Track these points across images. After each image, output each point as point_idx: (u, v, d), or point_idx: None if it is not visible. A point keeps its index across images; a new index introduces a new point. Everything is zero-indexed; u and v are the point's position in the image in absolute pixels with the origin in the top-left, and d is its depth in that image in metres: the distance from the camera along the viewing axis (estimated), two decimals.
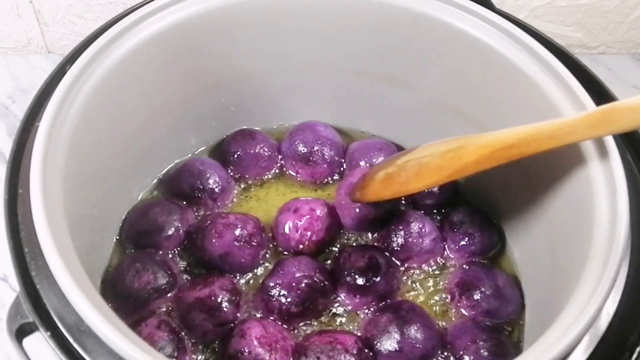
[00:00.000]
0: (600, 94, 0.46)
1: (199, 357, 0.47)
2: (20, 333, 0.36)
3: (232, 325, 0.47)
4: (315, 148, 0.58)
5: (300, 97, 0.61)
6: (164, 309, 0.48)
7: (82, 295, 0.33)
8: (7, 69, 0.76)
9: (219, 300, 0.47)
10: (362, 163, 0.58)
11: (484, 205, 0.57)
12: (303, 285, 0.48)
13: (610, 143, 0.41)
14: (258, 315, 0.49)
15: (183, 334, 0.47)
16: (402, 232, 0.52)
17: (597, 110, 0.39)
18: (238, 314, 0.48)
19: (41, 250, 0.35)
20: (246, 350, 0.44)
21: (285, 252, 0.53)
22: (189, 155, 0.60)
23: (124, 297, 0.47)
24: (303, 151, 0.58)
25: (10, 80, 0.75)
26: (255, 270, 0.52)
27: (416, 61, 0.55)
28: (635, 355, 0.36)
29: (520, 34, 0.47)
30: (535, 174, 0.49)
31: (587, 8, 0.75)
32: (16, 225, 0.38)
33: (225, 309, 0.47)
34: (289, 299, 0.47)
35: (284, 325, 0.48)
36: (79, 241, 0.39)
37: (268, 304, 0.48)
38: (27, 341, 0.37)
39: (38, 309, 0.35)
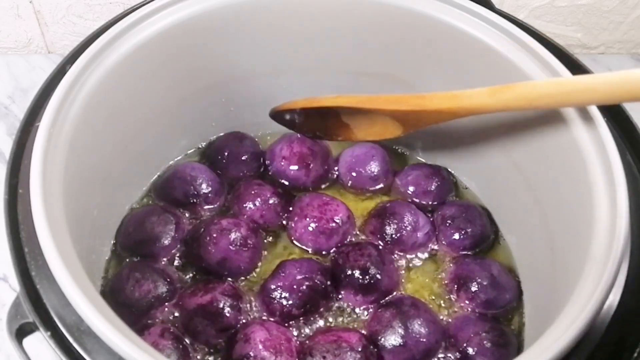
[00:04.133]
0: None
1: None
2: (20, 333, 0.36)
3: (235, 329, 0.47)
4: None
5: (301, 97, 0.61)
6: (166, 317, 0.48)
7: (82, 295, 0.33)
8: (7, 69, 0.76)
9: (221, 305, 0.47)
10: (354, 174, 0.57)
11: (481, 202, 0.57)
12: (304, 287, 0.48)
13: (610, 143, 0.41)
14: (257, 316, 0.49)
15: (187, 340, 0.47)
16: (395, 226, 0.52)
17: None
18: (240, 318, 0.48)
19: (41, 250, 0.35)
20: (252, 355, 0.44)
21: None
22: (190, 153, 0.60)
23: (124, 306, 0.47)
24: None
25: (10, 80, 0.75)
26: (255, 272, 0.52)
27: (416, 61, 0.55)
28: (635, 355, 0.36)
29: (520, 34, 0.47)
30: (535, 175, 0.50)
31: (587, 8, 0.75)
32: (16, 225, 0.38)
33: (227, 314, 0.47)
34: (290, 301, 0.47)
35: (286, 327, 0.48)
36: (78, 241, 0.39)
37: (270, 306, 0.48)
38: (27, 341, 0.37)
39: (38, 309, 0.35)
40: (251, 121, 0.62)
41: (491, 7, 0.50)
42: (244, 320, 0.48)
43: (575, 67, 0.47)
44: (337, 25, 0.54)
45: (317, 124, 0.55)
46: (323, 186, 0.59)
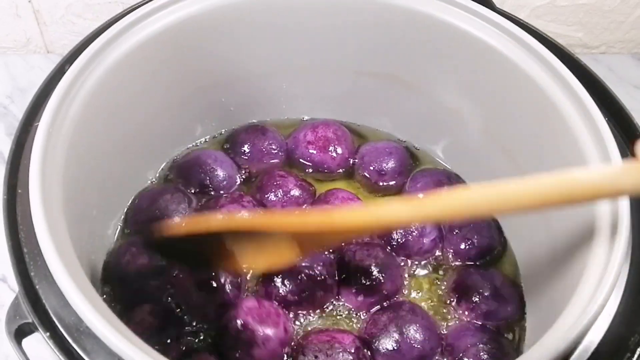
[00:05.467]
0: (601, 93, 0.46)
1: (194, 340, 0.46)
2: (20, 334, 0.36)
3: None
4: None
5: (300, 97, 0.61)
6: (162, 292, 0.48)
7: (81, 296, 0.33)
8: (5, 69, 0.76)
9: (222, 281, 0.47)
10: (371, 167, 0.58)
11: None
12: (303, 275, 0.48)
13: (611, 143, 0.41)
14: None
15: (179, 313, 0.46)
16: (402, 231, 0.52)
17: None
18: (239, 297, 0.48)
19: (40, 250, 0.35)
20: (239, 323, 0.44)
21: None
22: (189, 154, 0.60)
23: (121, 280, 0.48)
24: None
25: (9, 80, 0.75)
26: None
27: (416, 61, 0.55)
28: (636, 356, 0.36)
29: (521, 34, 0.47)
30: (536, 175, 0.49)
31: (588, 8, 0.75)
32: (15, 226, 0.38)
33: (227, 291, 0.47)
34: (286, 287, 0.48)
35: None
36: (78, 241, 0.39)
37: (268, 289, 0.48)
38: (26, 342, 0.37)
39: (37, 309, 0.35)
40: (251, 121, 0.62)
41: (492, 7, 0.50)
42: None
43: (576, 66, 0.47)
44: (337, 24, 0.54)
45: (197, 250, 0.44)
46: (342, 171, 0.59)
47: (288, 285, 0.48)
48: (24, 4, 0.71)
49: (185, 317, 0.47)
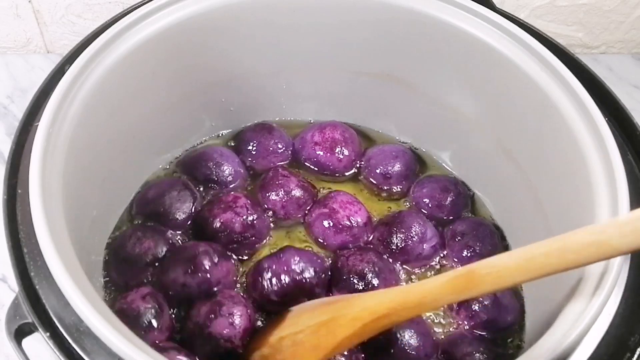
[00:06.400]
0: (601, 93, 0.46)
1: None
2: (20, 334, 0.36)
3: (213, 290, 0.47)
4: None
5: (301, 97, 0.61)
6: (154, 277, 0.49)
7: (81, 296, 0.33)
8: (5, 69, 0.76)
9: (201, 258, 0.47)
10: (377, 170, 0.58)
11: (488, 213, 0.57)
12: (289, 279, 0.48)
13: (611, 143, 0.41)
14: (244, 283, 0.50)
15: (170, 311, 0.47)
16: (402, 235, 0.52)
17: (456, 276, 0.36)
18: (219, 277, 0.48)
19: (40, 250, 0.35)
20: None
21: None
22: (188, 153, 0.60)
23: (123, 262, 0.48)
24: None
25: (9, 80, 0.75)
26: (259, 248, 0.53)
27: (416, 61, 0.55)
28: (636, 356, 0.36)
29: (521, 34, 0.47)
30: (537, 177, 0.49)
31: (588, 7, 0.75)
32: (15, 226, 0.38)
33: (206, 267, 0.47)
34: (271, 286, 0.48)
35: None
36: (78, 241, 0.39)
37: (254, 282, 0.48)
38: (26, 342, 0.37)
39: (37, 309, 0.35)
40: (251, 121, 0.62)
41: (492, 7, 0.50)
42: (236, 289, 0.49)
43: (576, 66, 0.47)
44: (336, 24, 0.54)
45: None
46: (348, 173, 0.59)
47: (272, 286, 0.48)
48: (24, 4, 0.71)
49: (170, 308, 0.47)
